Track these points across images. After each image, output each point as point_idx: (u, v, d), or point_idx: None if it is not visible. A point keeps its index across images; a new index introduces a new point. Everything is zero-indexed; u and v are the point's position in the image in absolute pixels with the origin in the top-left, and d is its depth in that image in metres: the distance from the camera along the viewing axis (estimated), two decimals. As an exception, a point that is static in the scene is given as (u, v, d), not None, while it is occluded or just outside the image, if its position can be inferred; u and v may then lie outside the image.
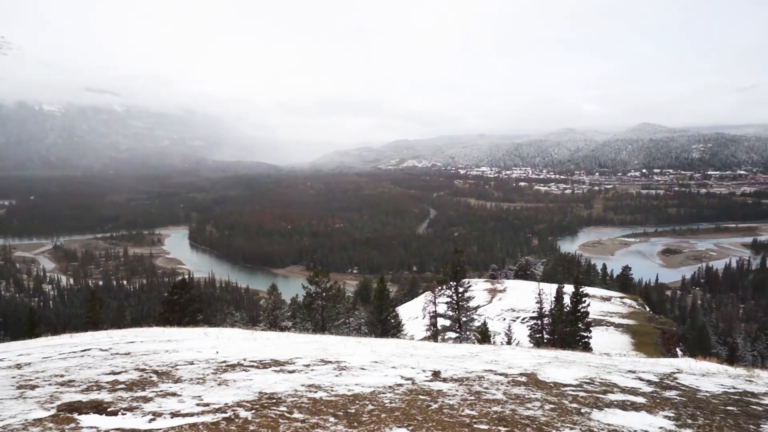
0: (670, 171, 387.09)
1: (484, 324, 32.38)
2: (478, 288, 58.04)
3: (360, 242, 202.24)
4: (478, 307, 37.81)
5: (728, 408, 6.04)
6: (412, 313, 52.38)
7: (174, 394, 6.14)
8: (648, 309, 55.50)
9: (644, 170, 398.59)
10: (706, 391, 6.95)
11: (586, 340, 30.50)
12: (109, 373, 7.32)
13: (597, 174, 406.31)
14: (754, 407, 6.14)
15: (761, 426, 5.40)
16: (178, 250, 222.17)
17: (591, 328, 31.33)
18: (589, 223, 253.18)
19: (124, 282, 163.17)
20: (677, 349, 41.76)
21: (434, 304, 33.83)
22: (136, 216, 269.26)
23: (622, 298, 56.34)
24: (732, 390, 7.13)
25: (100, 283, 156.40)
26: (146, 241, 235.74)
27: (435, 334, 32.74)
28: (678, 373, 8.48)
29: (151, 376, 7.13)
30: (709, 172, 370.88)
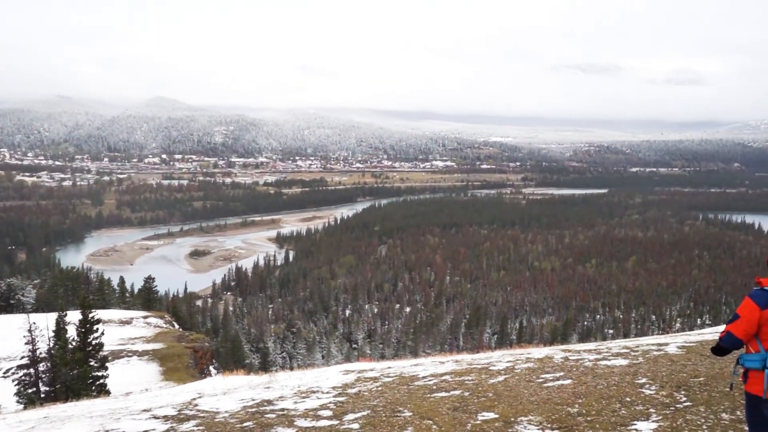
0: (193, 157, 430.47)
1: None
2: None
3: None
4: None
5: (245, 425, 7.31)
6: None
7: None
8: (177, 326, 60.08)
9: (164, 156, 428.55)
10: (226, 411, 8.18)
11: (102, 380, 30.53)
12: None
13: (106, 160, 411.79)
14: (269, 416, 7.66)
15: (273, 434, 6.79)
16: None
17: (108, 364, 31.47)
18: (99, 224, 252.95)
19: None
20: (211, 368, 47.14)
21: None
22: None
23: (146, 317, 58.82)
24: (251, 402, 8.65)
25: None
26: None
27: None
28: (199, 397, 9.62)
29: None
30: (233, 159, 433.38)
